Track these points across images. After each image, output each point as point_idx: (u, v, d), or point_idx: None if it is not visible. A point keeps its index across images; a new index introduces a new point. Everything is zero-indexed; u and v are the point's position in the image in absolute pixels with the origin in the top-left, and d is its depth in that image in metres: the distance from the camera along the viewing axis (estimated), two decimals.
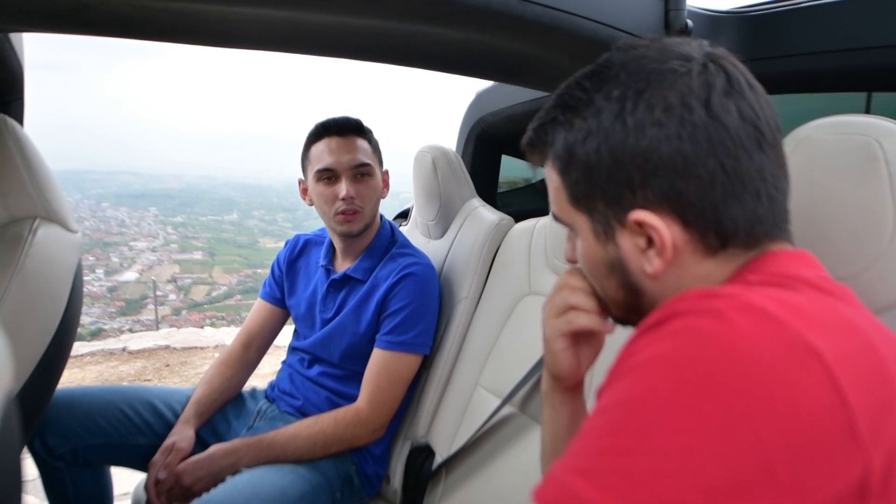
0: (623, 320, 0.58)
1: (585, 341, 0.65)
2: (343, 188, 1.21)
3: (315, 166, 1.23)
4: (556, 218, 0.57)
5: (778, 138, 0.50)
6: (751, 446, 0.35)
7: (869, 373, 0.39)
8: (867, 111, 1.05)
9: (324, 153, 1.23)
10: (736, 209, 0.47)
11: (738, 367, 0.37)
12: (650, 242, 0.49)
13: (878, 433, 0.37)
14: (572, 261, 0.60)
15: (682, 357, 0.39)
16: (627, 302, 0.54)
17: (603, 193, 0.50)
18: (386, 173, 1.33)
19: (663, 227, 0.48)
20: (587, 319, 0.60)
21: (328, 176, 1.23)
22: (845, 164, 0.63)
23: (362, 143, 1.25)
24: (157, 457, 1.14)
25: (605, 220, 0.51)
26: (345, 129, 1.24)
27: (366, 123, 1.29)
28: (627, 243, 0.50)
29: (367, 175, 1.24)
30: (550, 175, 0.55)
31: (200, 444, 1.21)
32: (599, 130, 0.49)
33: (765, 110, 0.48)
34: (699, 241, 0.48)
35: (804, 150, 0.65)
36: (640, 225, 0.49)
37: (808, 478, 0.36)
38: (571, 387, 0.67)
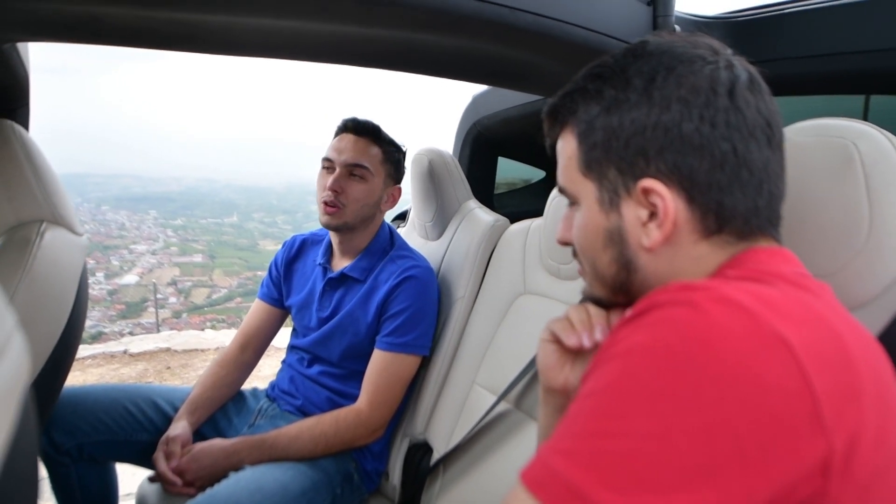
0: (607, 302, 0.60)
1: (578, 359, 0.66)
2: (331, 179, 1.26)
3: (324, 155, 1.31)
4: (561, 190, 0.59)
5: (783, 142, 0.53)
6: (722, 429, 0.38)
7: (834, 361, 0.41)
8: (864, 114, 1.08)
9: (333, 145, 1.29)
10: (738, 195, 0.50)
11: (712, 355, 0.39)
12: (652, 216, 0.52)
13: (841, 417, 0.39)
14: (564, 241, 0.61)
15: (659, 345, 0.41)
16: (618, 278, 0.56)
17: (617, 160, 0.52)
18: (397, 190, 1.35)
19: (669, 197, 0.50)
20: (562, 327, 0.63)
21: (327, 165, 1.29)
22: (823, 165, 0.65)
23: (372, 149, 1.29)
24: (157, 453, 1.16)
25: (613, 188, 0.53)
26: (360, 130, 1.29)
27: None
28: (630, 214, 0.53)
29: (360, 177, 1.27)
30: (566, 143, 0.57)
31: (203, 441, 1.24)
32: (626, 101, 0.52)
33: (776, 115, 0.52)
34: (699, 220, 0.51)
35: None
36: (647, 193, 0.51)
37: (774, 458, 0.38)
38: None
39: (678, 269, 0.53)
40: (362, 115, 1.32)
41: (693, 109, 0.49)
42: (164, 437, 1.19)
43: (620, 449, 0.39)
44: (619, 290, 0.57)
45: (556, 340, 0.65)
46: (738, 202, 0.50)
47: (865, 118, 1.06)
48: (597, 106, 0.53)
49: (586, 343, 0.61)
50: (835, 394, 0.40)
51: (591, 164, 0.54)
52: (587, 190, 0.55)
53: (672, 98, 0.50)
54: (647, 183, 0.51)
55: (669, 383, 0.40)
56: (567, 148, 0.57)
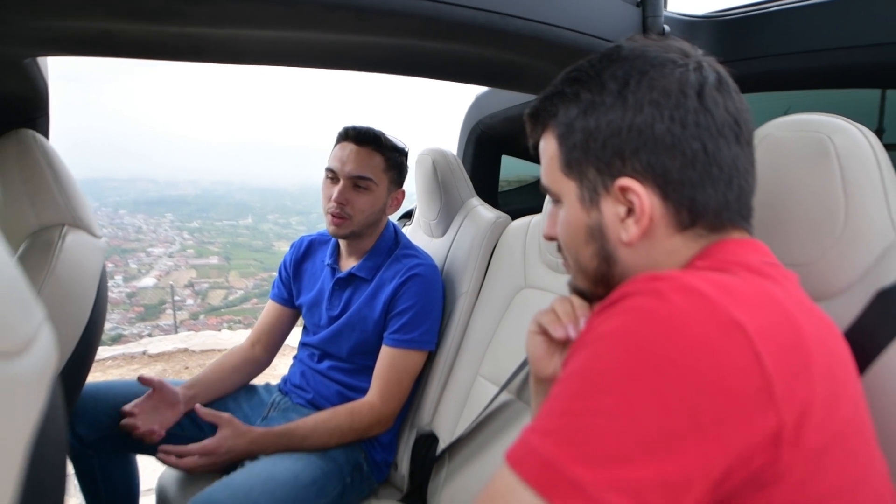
0: (590, 294, 0.64)
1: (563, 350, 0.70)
2: (336, 191, 1.28)
3: (327, 163, 1.33)
4: (544, 189, 0.63)
5: (752, 138, 0.56)
6: (681, 405, 0.41)
7: (786, 343, 0.45)
8: (881, 106, 1.10)
9: (336, 155, 1.31)
10: (710, 190, 0.54)
11: (672, 339, 0.43)
12: (629, 213, 0.55)
13: (791, 393, 0.43)
14: (550, 237, 0.65)
15: (626, 331, 0.45)
16: (599, 271, 0.60)
17: (595, 160, 0.56)
18: (401, 193, 1.38)
19: (644, 195, 0.54)
20: (549, 319, 0.67)
21: (331, 175, 1.31)
22: (801, 159, 0.68)
23: (374, 158, 1.30)
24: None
25: (592, 186, 0.57)
26: (362, 140, 1.30)
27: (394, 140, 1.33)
28: (609, 210, 0.56)
29: (364, 188, 1.30)
30: (548, 144, 0.60)
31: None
32: (602, 104, 0.55)
33: (744, 113, 0.55)
34: (673, 215, 0.54)
35: (765, 147, 0.71)
36: (624, 191, 0.54)
37: (730, 431, 0.41)
38: None
39: (654, 262, 0.56)
40: (365, 121, 1.34)
41: (664, 111, 0.53)
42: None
43: (590, 426, 0.43)
44: (600, 282, 0.60)
45: (544, 332, 0.69)
46: (709, 197, 0.54)
47: (882, 111, 1.09)
48: (575, 109, 0.57)
49: (572, 334, 0.65)
50: (785, 372, 0.43)
51: (572, 164, 0.58)
52: (569, 188, 0.59)
53: (644, 101, 0.53)
54: (624, 182, 0.54)
55: (634, 365, 0.43)
56: (549, 149, 0.60)
